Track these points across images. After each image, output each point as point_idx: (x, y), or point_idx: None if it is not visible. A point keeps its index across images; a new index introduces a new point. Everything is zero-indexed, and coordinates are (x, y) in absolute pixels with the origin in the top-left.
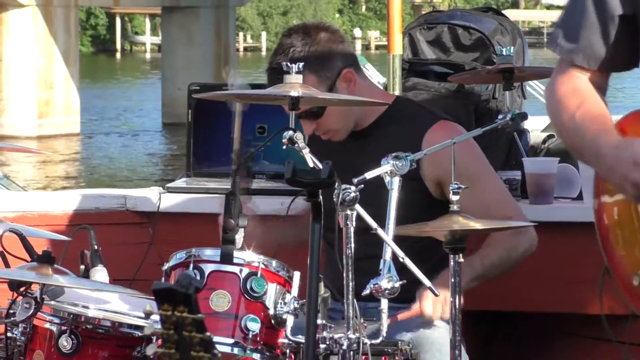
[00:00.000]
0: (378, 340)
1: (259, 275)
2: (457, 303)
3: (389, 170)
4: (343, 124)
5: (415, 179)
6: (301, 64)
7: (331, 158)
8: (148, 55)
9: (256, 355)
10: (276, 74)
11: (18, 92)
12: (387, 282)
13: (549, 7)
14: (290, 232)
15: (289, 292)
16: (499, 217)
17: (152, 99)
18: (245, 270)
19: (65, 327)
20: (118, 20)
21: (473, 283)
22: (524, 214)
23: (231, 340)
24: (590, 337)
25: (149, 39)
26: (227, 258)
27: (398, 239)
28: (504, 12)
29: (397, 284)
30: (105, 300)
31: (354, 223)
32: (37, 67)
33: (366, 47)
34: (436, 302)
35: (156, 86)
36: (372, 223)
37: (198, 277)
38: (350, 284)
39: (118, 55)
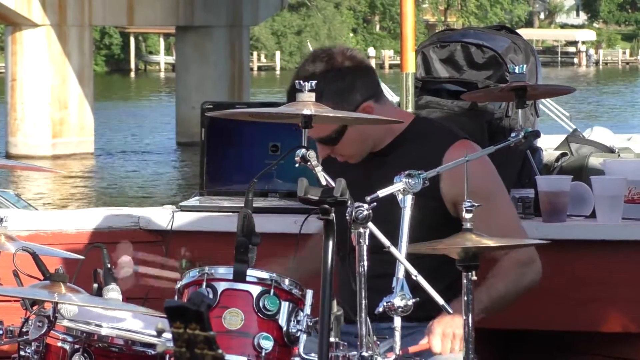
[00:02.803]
0: (391, 359)
1: (272, 293)
2: (470, 322)
3: (401, 188)
4: (359, 149)
5: (435, 198)
6: (316, 86)
7: (350, 178)
8: (162, 75)
9: None
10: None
11: (32, 111)
12: (400, 300)
13: (563, 26)
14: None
15: (302, 310)
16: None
17: (166, 118)
18: (258, 289)
19: (78, 346)
20: (132, 40)
21: (480, 315)
22: (530, 239)
23: (244, 359)
24: (604, 356)
25: (163, 59)
26: (240, 276)
27: (412, 258)
28: (518, 31)
29: (410, 302)
30: (119, 318)
31: (366, 241)
32: (51, 86)
33: (380, 66)
34: (445, 338)
35: (170, 105)
36: (385, 241)
37: (211, 296)
38: (363, 302)
39: (132, 74)
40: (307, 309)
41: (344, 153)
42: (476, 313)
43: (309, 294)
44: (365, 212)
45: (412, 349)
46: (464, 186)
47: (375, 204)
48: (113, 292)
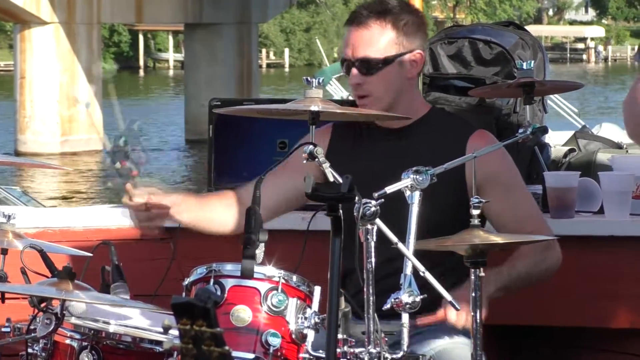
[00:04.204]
0: (399, 355)
1: (279, 290)
2: (478, 317)
3: (409, 185)
4: (386, 93)
5: (460, 185)
6: (381, 12)
7: (372, 158)
8: (171, 72)
9: None
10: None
11: (41, 109)
12: (408, 296)
13: (572, 22)
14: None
15: (310, 306)
16: (531, 229)
17: (175, 116)
18: (266, 285)
19: (86, 343)
20: (141, 37)
21: (499, 293)
22: (552, 230)
23: (252, 356)
24: (613, 351)
25: (172, 56)
26: (247, 273)
27: (420, 254)
28: (526, 27)
29: (418, 299)
30: (126, 315)
31: (374, 237)
32: (59, 84)
33: None
34: (460, 312)
35: (179, 103)
36: (393, 237)
37: (219, 292)
38: (371, 298)
39: (141, 72)
40: (315, 306)
41: (372, 90)
42: (496, 289)
43: (317, 290)
44: (373, 209)
45: (422, 320)
46: (489, 169)
47: (382, 200)
48: (121, 289)
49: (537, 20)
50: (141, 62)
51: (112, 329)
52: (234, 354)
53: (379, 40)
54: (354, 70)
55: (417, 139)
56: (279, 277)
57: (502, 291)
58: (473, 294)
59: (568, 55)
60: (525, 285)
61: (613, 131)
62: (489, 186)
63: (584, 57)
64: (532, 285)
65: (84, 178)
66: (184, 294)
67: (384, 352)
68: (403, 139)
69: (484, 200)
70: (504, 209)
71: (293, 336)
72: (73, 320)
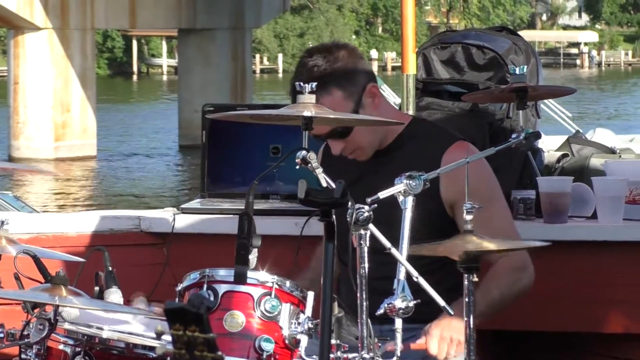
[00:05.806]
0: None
1: (272, 295)
2: (471, 323)
3: (402, 190)
4: (370, 141)
5: (435, 199)
6: (318, 83)
7: (350, 178)
8: (165, 78)
9: None
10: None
11: (35, 114)
12: (401, 301)
13: (565, 27)
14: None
15: (303, 312)
16: None
17: (168, 121)
18: (259, 291)
19: (79, 349)
20: (134, 43)
21: (476, 320)
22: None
23: None
24: (606, 356)
25: (165, 61)
26: (240, 278)
27: (412, 259)
28: (520, 32)
29: (411, 304)
30: (120, 321)
31: (367, 243)
32: (53, 89)
33: (383, 69)
34: (442, 342)
35: (173, 108)
36: (386, 243)
37: (212, 298)
38: (364, 303)
39: (135, 77)
40: (308, 311)
41: (357, 145)
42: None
43: (310, 295)
44: (366, 214)
45: (413, 346)
46: (461, 188)
47: (375, 205)
48: (114, 294)
49: (531, 25)
50: (135, 68)
51: (105, 334)
52: (227, 359)
53: (334, 107)
54: (331, 142)
55: (392, 160)
56: (273, 282)
57: (479, 318)
58: (466, 299)
59: (561, 60)
60: (500, 308)
61: (607, 136)
62: (462, 200)
63: (578, 62)
64: (506, 307)
65: (78, 184)
66: (177, 299)
67: (377, 358)
68: (382, 158)
69: (477, 206)
70: (478, 222)
71: (286, 341)
72: (66, 325)
